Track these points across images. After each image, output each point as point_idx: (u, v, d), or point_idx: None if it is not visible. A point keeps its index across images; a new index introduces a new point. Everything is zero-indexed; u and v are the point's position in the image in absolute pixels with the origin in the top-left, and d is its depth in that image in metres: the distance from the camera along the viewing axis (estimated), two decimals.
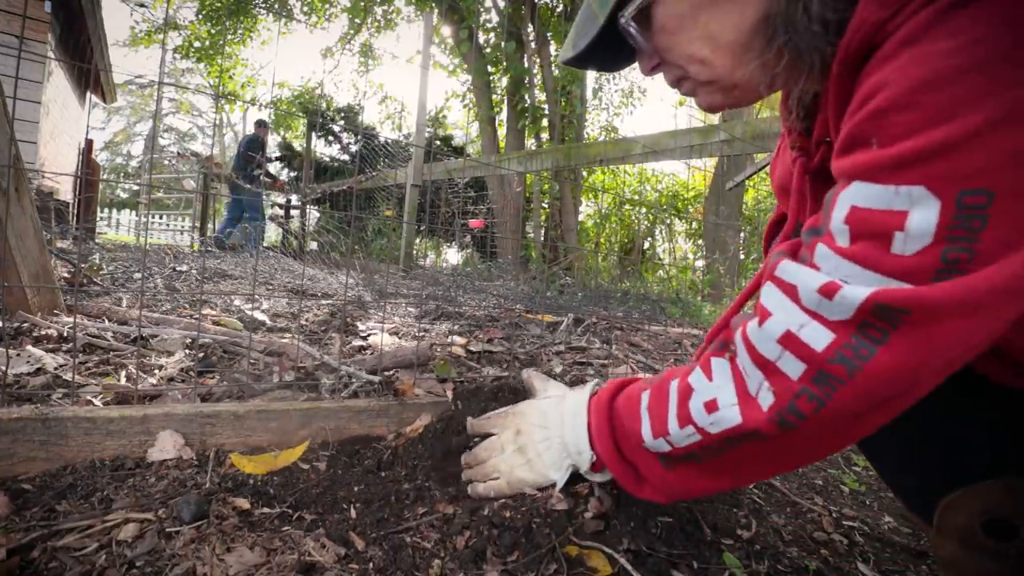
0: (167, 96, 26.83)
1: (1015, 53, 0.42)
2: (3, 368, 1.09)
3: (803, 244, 0.57)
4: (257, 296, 2.69)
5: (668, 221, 9.12)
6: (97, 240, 5.91)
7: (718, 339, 0.66)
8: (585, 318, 2.67)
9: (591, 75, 9.37)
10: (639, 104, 9.80)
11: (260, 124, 7.80)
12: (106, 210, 15.58)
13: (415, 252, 5.68)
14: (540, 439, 0.82)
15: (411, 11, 9.93)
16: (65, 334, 1.51)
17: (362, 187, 6.80)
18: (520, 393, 1.04)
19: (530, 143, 7.75)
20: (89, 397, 1.11)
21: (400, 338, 2.03)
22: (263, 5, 9.38)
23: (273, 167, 7.98)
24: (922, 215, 0.45)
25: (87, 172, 7.30)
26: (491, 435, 0.89)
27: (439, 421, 1.07)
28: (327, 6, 10.30)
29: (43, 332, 1.51)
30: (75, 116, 8.26)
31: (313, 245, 7.09)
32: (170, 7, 11.23)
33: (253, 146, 7.41)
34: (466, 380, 1.43)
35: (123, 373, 1.31)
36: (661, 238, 9.48)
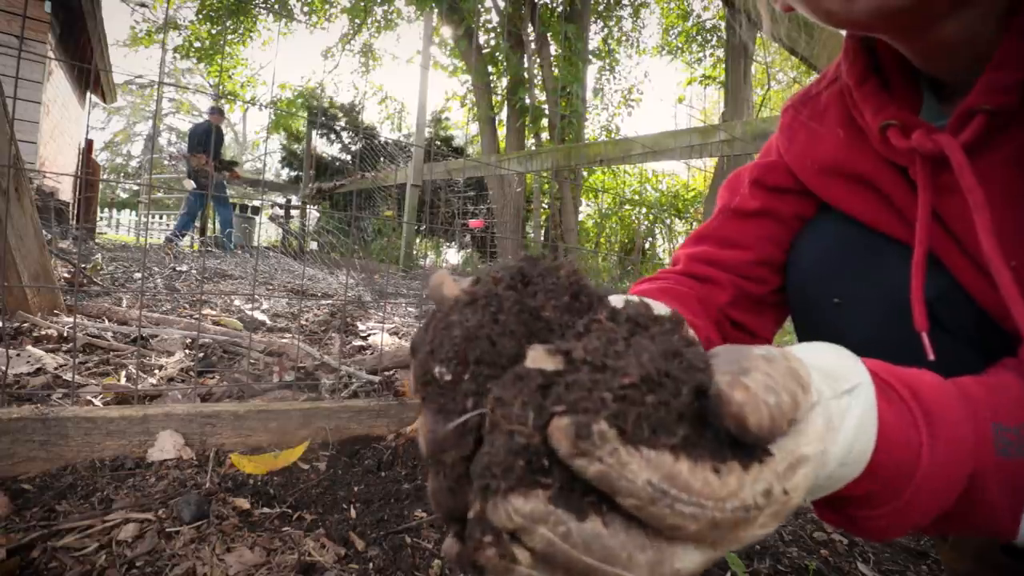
0: (167, 96, 26.88)
1: None
2: (3, 368, 1.09)
3: None
4: (257, 296, 2.69)
5: (668, 221, 9.12)
6: (97, 240, 5.91)
7: None
8: None
9: (591, 75, 9.38)
10: (636, 105, 9.81)
11: (213, 111, 7.30)
12: (106, 210, 15.59)
13: (415, 252, 5.68)
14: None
15: (411, 11, 9.94)
16: (65, 334, 1.50)
17: (362, 187, 6.80)
18: None
19: (530, 143, 7.76)
20: (89, 397, 1.11)
21: (400, 338, 2.03)
22: (263, 5, 9.39)
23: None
24: None
25: (87, 172, 7.30)
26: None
27: None
28: (327, 6, 10.31)
29: (43, 332, 1.51)
30: (75, 116, 8.26)
31: (313, 245, 7.09)
32: (170, 7, 11.23)
33: (202, 138, 6.92)
34: None
35: (123, 373, 1.31)
36: (661, 238, 9.48)
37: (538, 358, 0.25)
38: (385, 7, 9.99)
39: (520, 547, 0.25)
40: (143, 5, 10.85)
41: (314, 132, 9.61)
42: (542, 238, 6.98)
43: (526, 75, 7.15)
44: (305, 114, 10.28)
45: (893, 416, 0.36)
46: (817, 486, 0.34)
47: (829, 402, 0.32)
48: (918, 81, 0.57)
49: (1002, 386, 0.40)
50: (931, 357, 0.49)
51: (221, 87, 11.49)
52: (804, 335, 0.70)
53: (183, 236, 6.85)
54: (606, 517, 0.24)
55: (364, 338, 1.98)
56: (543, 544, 0.24)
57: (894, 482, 0.35)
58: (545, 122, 7.40)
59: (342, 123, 10.72)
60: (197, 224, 7.74)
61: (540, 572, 0.25)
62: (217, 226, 7.03)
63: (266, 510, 0.84)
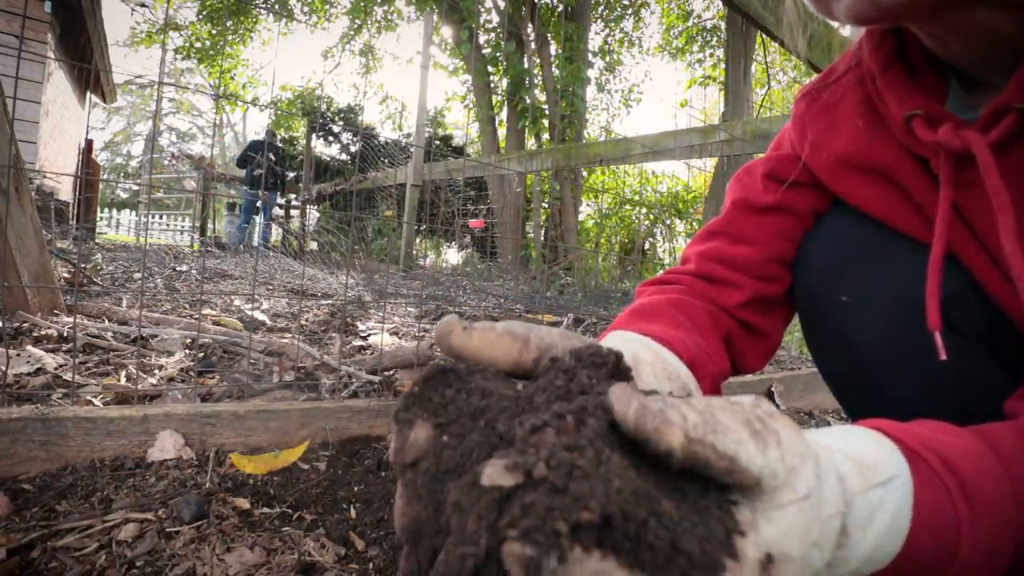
0: (167, 96, 26.88)
1: None
2: (3, 368, 1.09)
3: None
4: (257, 296, 2.69)
5: (668, 221, 9.12)
6: (97, 240, 5.91)
7: None
8: (585, 318, 2.67)
9: (592, 75, 9.38)
10: (635, 104, 9.83)
11: (269, 132, 8.80)
12: (106, 210, 15.60)
13: (415, 252, 5.68)
14: None
15: (411, 11, 9.96)
16: (65, 334, 1.50)
17: (361, 187, 6.81)
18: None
19: (530, 143, 7.76)
20: (89, 397, 1.11)
21: (400, 338, 2.03)
22: (263, 5, 9.40)
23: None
24: None
25: (87, 172, 7.30)
26: None
27: None
28: (327, 6, 10.31)
29: (43, 332, 1.51)
30: (75, 116, 8.26)
31: (313, 245, 7.11)
32: (170, 7, 11.23)
33: (254, 146, 7.98)
34: None
35: (123, 373, 1.31)
36: (661, 238, 9.49)
37: (495, 476, 0.23)
38: (385, 7, 9.99)
39: None
40: (143, 5, 10.86)
41: (313, 134, 9.68)
42: (542, 238, 6.98)
43: (526, 75, 7.16)
44: (303, 117, 10.33)
45: (928, 496, 0.33)
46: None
47: (856, 497, 0.30)
48: (944, 69, 0.55)
49: None
50: (943, 357, 0.48)
51: (222, 88, 11.49)
52: (811, 335, 0.70)
53: (244, 235, 7.86)
54: None
55: (364, 338, 1.98)
56: None
57: (933, 566, 0.33)
58: (545, 122, 7.41)
59: (340, 125, 10.73)
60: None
61: None
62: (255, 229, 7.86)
63: (266, 510, 0.84)
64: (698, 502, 0.24)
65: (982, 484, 0.34)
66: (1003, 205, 0.44)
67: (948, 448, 0.35)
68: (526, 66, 7.17)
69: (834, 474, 0.30)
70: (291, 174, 9.58)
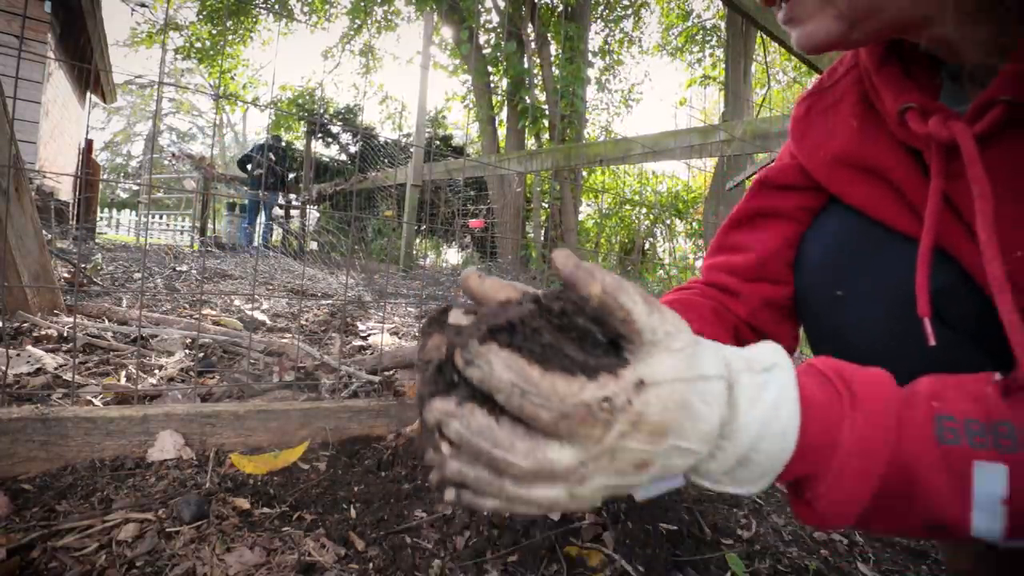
0: (167, 96, 26.87)
1: None
2: (3, 368, 1.09)
3: None
4: (257, 296, 2.69)
5: (668, 221, 9.12)
6: (97, 240, 5.91)
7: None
8: None
9: (592, 75, 9.38)
10: (635, 104, 9.83)
11: (276, 138, 9.13)
12: (106, 210, 15.60)
13: (415, 252, 5.68)
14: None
15: (411, 11, 9.95)
16: (65, 334, 1.50)
17: (361, 187, 6.81)
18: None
19: (530, 143, 7.75)
20: (89, 397, 1.11)
21: (400, 338, 2.03)
22: (263, 5, 9.39)
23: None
24: None
25: (87, 172, 7.30)
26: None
27: None
28: (327, 6, 10.31)
29: (43, 332, 1.51)
30: (75, 116, 8.26)
31: (313, 245, 7.12)
32: (170, 7, 11.23)
33: (259, 148, 8.24)
34: None
35: (123, 373, 1.31)
36: (662, 238, 9.49)
37: (456, 316, 0.37)
38: (385, 7, 9.99)
39: (444, 441, 0.35)
40: (143, 5, 10.86)
41: (311, 136, 9.71)
42: (542, 238, 6.98)
43: (526, 75, 7.15)
44: (302, 121, 10.38)
45: (818, 394, 0.38)
46: (746, 458, 0.36)
47: (741, 375, 0.37)
48: (938, 65, 0.56)
49: (961, 383, 0.40)
50: (932, 342, 0.48)
51: (222, 88, 11.50)
52: (810, 332, 0.70)
53: (251, 233, 8.29)
54: (499, 417, 0.33)
55: (364, 338, 1.98)
56: (455, 434, 0.34)
57: (823, 456, 0.37)
58: (545, 122, 7.40)
59: (340, 125, 10.73)
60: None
61: (460, 461, 0.34)
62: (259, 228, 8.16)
63: (266, 510, 0.84)
64: (593, 351, 0.34)
65: (867, 392, 0.38)
66: (983, 193, 0.45)
67: (849, 367, 0.40)
68: (526, 66, 7.16)
69: (717, 353, 0.36)
70: (291, 175, 9.62)
